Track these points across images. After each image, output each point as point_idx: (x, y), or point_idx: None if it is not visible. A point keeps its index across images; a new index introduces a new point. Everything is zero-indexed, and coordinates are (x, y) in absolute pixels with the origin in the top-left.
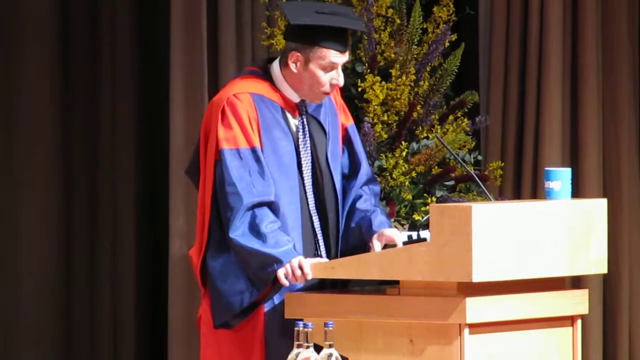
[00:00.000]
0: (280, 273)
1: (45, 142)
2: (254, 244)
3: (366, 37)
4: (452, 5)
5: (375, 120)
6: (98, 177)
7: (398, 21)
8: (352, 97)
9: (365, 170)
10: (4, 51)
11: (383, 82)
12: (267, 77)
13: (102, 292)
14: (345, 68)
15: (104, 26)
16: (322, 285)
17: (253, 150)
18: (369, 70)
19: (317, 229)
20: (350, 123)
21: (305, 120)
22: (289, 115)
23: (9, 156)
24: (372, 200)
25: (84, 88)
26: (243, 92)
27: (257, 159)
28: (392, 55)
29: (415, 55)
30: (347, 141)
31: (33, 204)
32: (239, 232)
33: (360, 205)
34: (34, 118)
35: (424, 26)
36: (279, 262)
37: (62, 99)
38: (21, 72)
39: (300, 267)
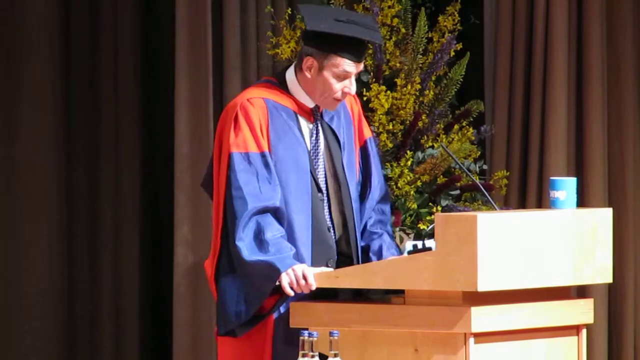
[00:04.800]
0: (285, 282)
1: (48, 147)
2: (256, 253)
3: (372, 46)
4: (457, 15)
5: (381, 130)
6: (102, 185)
7: (403, 30)
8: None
9: (377, 188)
10: (5, 50)
11: (388, 92)
12: (281, 85)
13: (106, 301)
14: None
15: (107, 34)
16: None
17: (262, 155)
18: (374, 80)
19: (331, 232)
20: (369, 135)
21: (319, 125)
22: (302, 121)
23: (10, 163)
24: (379, 224)
25: (86, 96)
26: (256, 97)
27: (266, 164)
28: (398, 65)
29: (420, 65)
30: (364, 155)
31: (34, 212)
32: (243, 241)
33: (371, 227)
34: (36, 126)
35: (429, 35)
36: (277, 270)
37: (64, 106)
38: (22, 80)
39: (305, 277)
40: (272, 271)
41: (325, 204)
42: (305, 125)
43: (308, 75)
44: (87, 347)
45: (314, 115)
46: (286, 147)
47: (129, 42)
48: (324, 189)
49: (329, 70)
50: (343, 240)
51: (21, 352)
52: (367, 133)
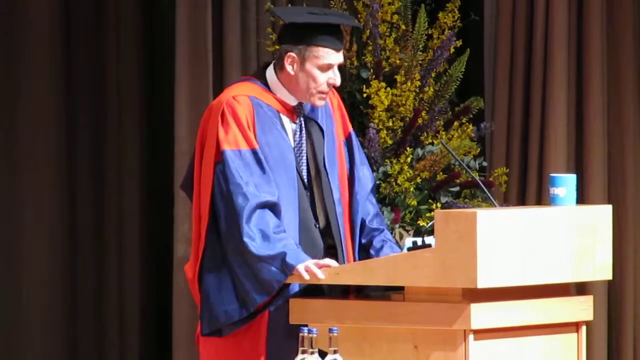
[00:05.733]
0: (301, 268)
1: (50, 146)
2: (265, 249)
3: (372, 43)
4: (457, 11)
5: (380, 126)
6: (103, 183)
7: (403, 27)
8: (357, 103)
9: (369, 178)
10: (6, 50)
11: (388, 88)
12: (262, 83)
13: (108, 298)
14: (350, 74)
15: (109, 32)
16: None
17: (254, 152)
18: (374, 76)
19: (317, 229)
20: (351, 129)
21: (302, 123)
22: (285, 120)
23: (11, 164)
24: (378, 218)
25: (88, 96)
26: (241, 94)
27: (258, 161)
28: (397, 61)
29: (420, 61)
30: (349, 147)
31: (37, 210)
32: (250, 237)
33: (370, 223)
34: (38, 126)
35: (429, 32)
36: (291, 265)
37: (67, 104)
38: (23, 82)
39: (322, 265)
40: (286, 266)
41: (309, 202)
42: (288, 124)
43: (291, 71)
44: (90, 340)
45: (297, 113)
46: (272, 144)
47: (130, 40)
48: (308, 186)
49: (311, 62)
50: (327, 230)
51: (24, 349)
52: (350, 126)
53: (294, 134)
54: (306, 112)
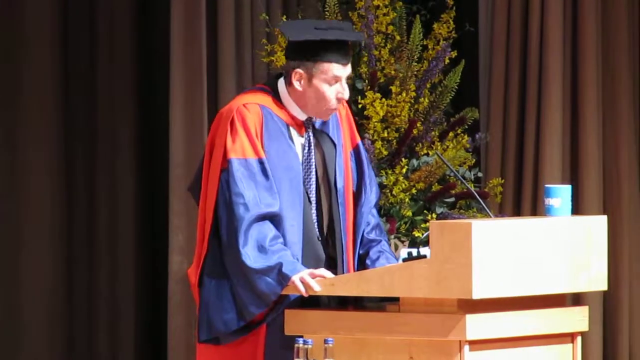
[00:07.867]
0: (298, 282)
1: (46, 156)
2: (262, 261)
3: (366, 54)
4: (452, 22)
5: (376, 137)
6: (98, 194)
7: (398, 38)
8: (352, 113)
9: (374, 191)
10: (2, 55)
11: (383, 99)
12: (274, 94)
13: (102, 308)
14: None
15: (102, 40)
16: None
17: (260, 162)
18: (369, 87)
19: (320, 244)
20: (359, 139)
21: (311, 137)
22: (294, 133)
23: (9, 169)
24: (377, 229)
25: (82, 106)
26: (252, 102)
27: (264, 171)
28: (392, 72)
29: (415, 72)
30: (357, 158)
31: (33, 219)
32: (247, 248)
33: (368, 234)
34: (35, 135)
35: (424, 43)
36: (286, 276)
37: (63, 112)
38: (21, 85)
39: (317, 275)
40: (282, 277)
41: (315, 215)
42: (297, 137)
43: (299, 87)
44: (84, 353)
45: (306, 127)
46: (279, 155)
47: (124, 51)
48: (314, 200)
49: (318, 78)
50: (330, 242)
51: (20, 353)
52: (358, 137)
53: (303, 149)
54: (317, 126)
